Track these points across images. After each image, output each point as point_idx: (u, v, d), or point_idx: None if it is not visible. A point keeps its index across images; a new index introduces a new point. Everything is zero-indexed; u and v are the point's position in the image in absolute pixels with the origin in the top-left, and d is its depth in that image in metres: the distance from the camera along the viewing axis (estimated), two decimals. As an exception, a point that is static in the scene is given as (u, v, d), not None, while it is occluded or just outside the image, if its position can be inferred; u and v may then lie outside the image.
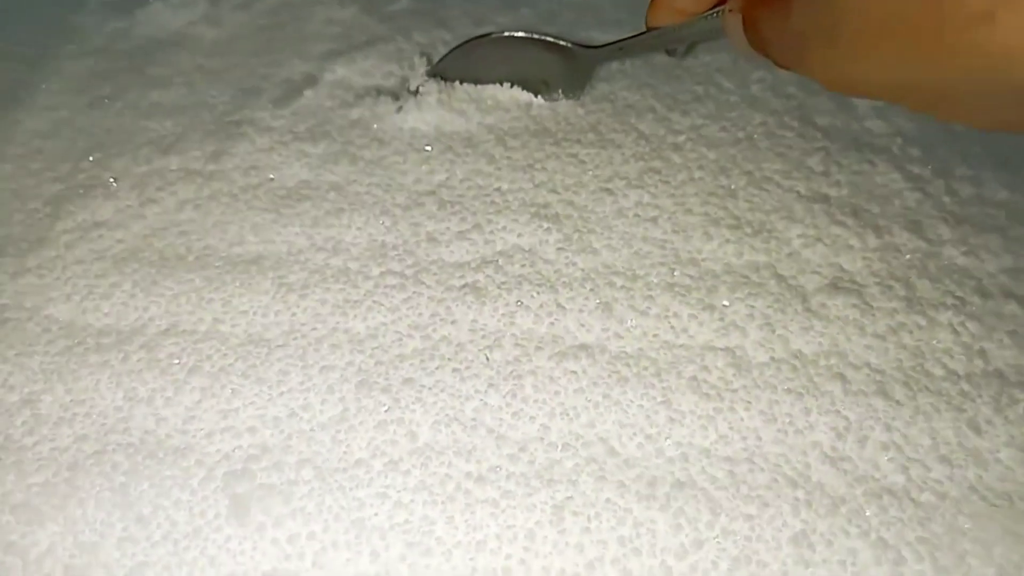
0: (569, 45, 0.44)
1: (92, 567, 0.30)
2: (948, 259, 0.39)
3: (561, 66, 0.45)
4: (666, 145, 0.44)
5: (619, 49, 0.42)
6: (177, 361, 0.35)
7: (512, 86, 0.47)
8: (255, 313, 0.37)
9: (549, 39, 0.44)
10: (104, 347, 0.36)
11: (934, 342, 0.36)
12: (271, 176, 0.43)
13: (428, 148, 0.44)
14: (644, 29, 0.37)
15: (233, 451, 0.33)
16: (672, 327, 0.36)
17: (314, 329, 0.36)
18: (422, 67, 0.48)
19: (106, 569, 0.30)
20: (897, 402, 0.34)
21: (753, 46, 0.29)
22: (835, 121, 0.46)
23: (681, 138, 0.44)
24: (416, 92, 0.46)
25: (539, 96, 0.47)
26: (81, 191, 0.42)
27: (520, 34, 0.45)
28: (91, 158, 0.44)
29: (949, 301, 0.37)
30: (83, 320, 0.37)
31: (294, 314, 0.37)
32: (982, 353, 0.36)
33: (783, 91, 0.47)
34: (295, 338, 0.36)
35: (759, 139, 0.44)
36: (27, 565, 0.30)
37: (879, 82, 0.24)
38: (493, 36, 0.45)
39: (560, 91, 0.47)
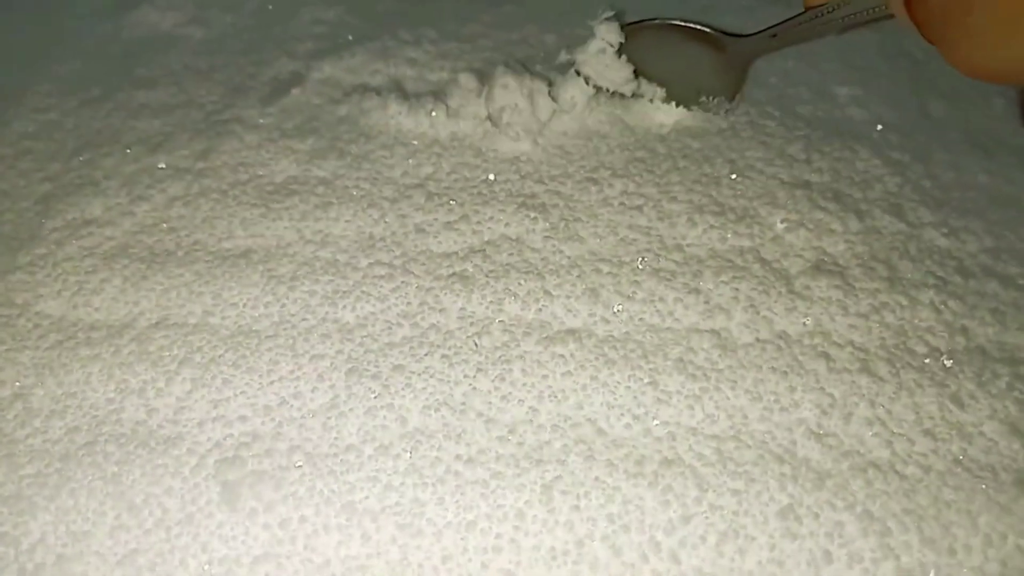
0: (718, 34, 0.40)
1: (84, 556, 0.30)
2: (929, 241, 0.40)
3: (712, 63, 0.42)
4: (650, 135, 0.44)
5: (772, 36, 0.38)
6: (168, 353, 0.36)
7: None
8: (245, 305, 0.37)
9: (699, 27, 0.40)
10: (95, 341, 0.36)
11: (916, 320, 0.36)
12: (260, 172, 0.43)
13: (415, 142, 0.44)
14: (800, 11, 0.36)
15: (224, 439, 0.33)
16: (658, 311, 0.37)
17: (304, 320, 0.37)
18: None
19: (98, 557, 0.30)
20: (881, 379, 0.34)
21: (914, 23, 0.29)
22: (815, 110, 0.46)
23: (665, 128, 0.45)
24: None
25: (688, 106, 0.44)
26: (71, 190, 0.43)
27: (677, 22, 0.41)
28: (81, 158, 0.44)
29: (931, 281, 0.38)
30: (74, 315, 0.37)
31: (283, 305, 0.37)
32: (964, 330, 0.36)
33: (764, 81, 0.48)
34: (285, 328, 0.36)
35: (741, 128, 0.45)
36: (19, 555, 0.30)
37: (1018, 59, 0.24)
38: (646, 22, 0.42)
39: (713, 99, 0.44)
